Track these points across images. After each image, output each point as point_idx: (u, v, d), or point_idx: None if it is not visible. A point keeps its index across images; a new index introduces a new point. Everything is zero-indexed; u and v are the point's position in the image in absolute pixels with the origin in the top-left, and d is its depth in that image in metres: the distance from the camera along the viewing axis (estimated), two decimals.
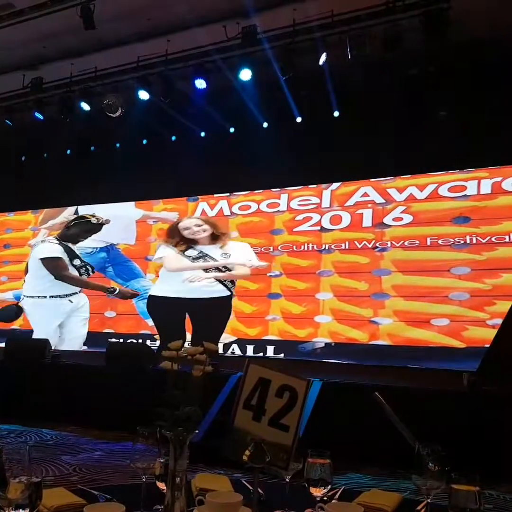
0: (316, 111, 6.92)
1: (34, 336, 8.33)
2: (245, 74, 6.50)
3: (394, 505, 2.15)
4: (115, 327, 8.16)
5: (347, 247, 6.98)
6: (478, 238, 6.31)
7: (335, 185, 7.29)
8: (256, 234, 7.58)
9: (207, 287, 7.57)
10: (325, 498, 1.98)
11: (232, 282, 7.51)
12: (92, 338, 8.19)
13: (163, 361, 1.75)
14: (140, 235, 8.43)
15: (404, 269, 6.60)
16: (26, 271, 9.02)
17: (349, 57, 5.91)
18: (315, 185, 7.42)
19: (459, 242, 6.37)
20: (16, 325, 8.80)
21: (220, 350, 7.12)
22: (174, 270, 7.84)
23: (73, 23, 6.09)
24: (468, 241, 6.34)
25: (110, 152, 8.32)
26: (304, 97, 6.80)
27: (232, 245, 7.69)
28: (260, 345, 7.13)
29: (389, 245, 6.74)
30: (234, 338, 7.29)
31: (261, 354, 7.05)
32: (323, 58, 6.17)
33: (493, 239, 6.24)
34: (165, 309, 7.81)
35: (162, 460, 1.92)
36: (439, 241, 6.47)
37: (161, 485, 1.91)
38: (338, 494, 2.28)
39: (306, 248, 7.21)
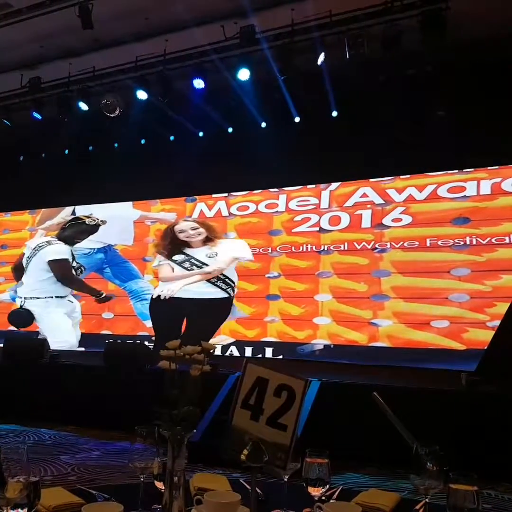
0: (314, 111, 6.91)
1: (51, 338, 7.70)
2: (243, 74, 6.49)
3: (392, 505, 2.15)
4: (113, 328, 8.15)
5: (346, 248, 6.96)
6: (478, 239, 6.28)
7: (334, 185, 7.28)
8: (254, 235, 7.56)
9: (202, 289, 7.57)
10: (323, 498, 1.99)
11: (226, 282, 7.48)
12: (89, 339, 8.16)
13: (161, 361, 1.75)
14: (138, 236, 8.40)
15: (403, 270, 6.59)
16: (17, 271, 8.99)
17: (348, 57, 5.90)
18: (313, 186, 7.41)
19: (459, 243, 6.35)
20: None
21: (217, 352, 7.11)
22: (165, 280, 7.87)
23: (71, 23, 6.08)
24: (468, 242, 6.32)
25: (108, 152, 8.30)
26: (303, 97, 6.80)
27: (222, 244, 7.69)
28: (259, 347, 7.11)
29: (388, 246, 6.73)
30: (233, 340, 7.27)
31: (260, 356, 7.04)
32: (321, 58, 6.16)
33: (493, 240, 6.22)
34: (165, 310, 7.79)
35: (160, 460, 1.92)
36: (439, 242, 6.46)
37: (159, 485, 1.91)
38: (336, 493, 2.28)
39: (304, 249, 7.19)
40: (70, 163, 8.50)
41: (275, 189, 7.62)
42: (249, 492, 1.78)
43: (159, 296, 7.79)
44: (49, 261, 8.64)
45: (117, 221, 8.58)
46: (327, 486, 1.95)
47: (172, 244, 7.93)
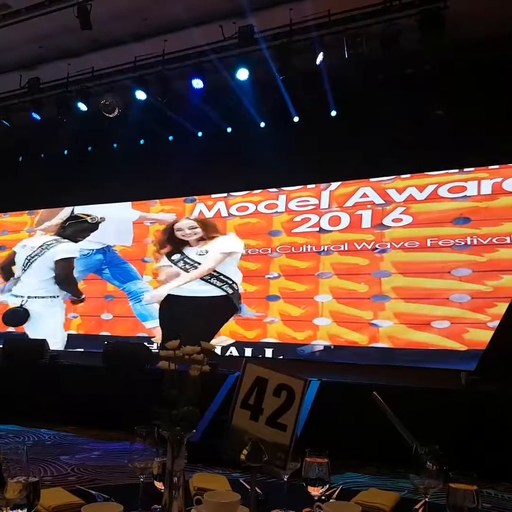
0: (313, 111, 6.91)
1: (51, 338, 7.56)
2: (242, 74, 6.49)
3: (392, 504, 2.15)
4: (112, 329, 8.13)
5: (346, 248, 6.94)
6: (479, 239, 6.26)
7: (333, 185, 7.26)
8: (254, 235, 7.54)
9: (195, 287, 7.59)
10: (323, 497, 1.99)
11: (220, 280, 7.46)
12: (88, 340, 8.15)
13: (160, 361, 1.75)
14: (137, 236, 8.39)
15: (404, 270, 6.57)
16: (5, 271, 8.97)
17: (346, 56, 5.90)
18: (313, 186, 7.39)
19: (460, 243, 6.33)
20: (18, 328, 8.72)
21: (217, 352, 7.10)
22: (161, 283, 7.91)
23: (70, 24, 6.07)
24: (468, 242, 6.30)
25: (107, 153, 8.30)
26: (301, 97, 6.79)
27: (214, 241, 7.70)
28: (259, 347, 7.10)
29: (388, 246, 6.71)
30: (232, 341, 7.26)
31: (260, 356, 7.03)
32: (320, 57, 6.16)
33: (494, 240, 6.20)
34: (166, 311, 7.80)
35: (159, 460, 1.92)
36: (440, 242, 6.44)
37: (159, 485, 1.91)
38: (336, 493, 2.28)
39: (304, 250, 7.17)
40: (69, 164, 8.49)
41: (275, 189, 7.60)
42: (249, 492, 1.78)
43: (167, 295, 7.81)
44: (58, 259, 8.63)
45: (116, 222, 8.57)
46: (327, 486, 1.95)
47: (171, 242, 7.95)
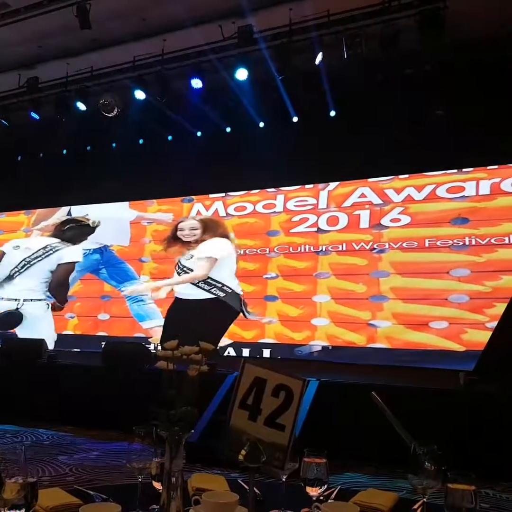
0: (312, 111, 6.92)
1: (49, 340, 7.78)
2: (241, 74, 6.50)
3: (390, 505, 2.15)
4: (109, 330, 8.12)
5: (344, 248, 6.94)
6: (477, 239, 6.26)
7: (332, 185, 7.26)
8: (252, 235, 7.54)
9: (188, 290, 7.59)
10: (322, 498, 1.99)
11: (208, 283, 7.42)
12: (85, 341, 8.13)
13: (159, 361, 1.75)
14: (134, 236, 8.37)
15: (402, 271, 6.57)
16: None
17: (345, 56, 5.91)
18: (311, 186, 7.39)
19: (458, 243, 6.34)
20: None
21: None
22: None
23: (69, 23, 6.08)
24: (467, 243, 6.30)
25: (106, 152, 8.30)
26: (301, 97, 6.80)
27: (200, 245, 7.68)
28: (256, 348, 7.09)
29: (387, 246, 6.71)
30: (230, 342, 7.25)
31: (258, 356, 7.03)
32: (319, 57, 6.17)
33: (492, 240, 6.20)
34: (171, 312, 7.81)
35: (158, 460, 1.92)
36: (438, 243, 6.44)
37: (157, 485, 1.91)
38: (334, 493, 2.28)
39: (302, 250, 7.17)
40: (68, 163, 8.49)
41: (273, 189, 7.60)
42: (247, 492, 1.78)
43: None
44: (63, 263, 8.52)
45: (114, 222, 8.55)
46: (325, 486, 1.95)
47: (173, 240, 7.92)
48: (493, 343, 5.60)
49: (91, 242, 8.54)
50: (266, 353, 7.02)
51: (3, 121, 7.86)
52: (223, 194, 7.91)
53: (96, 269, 8.45)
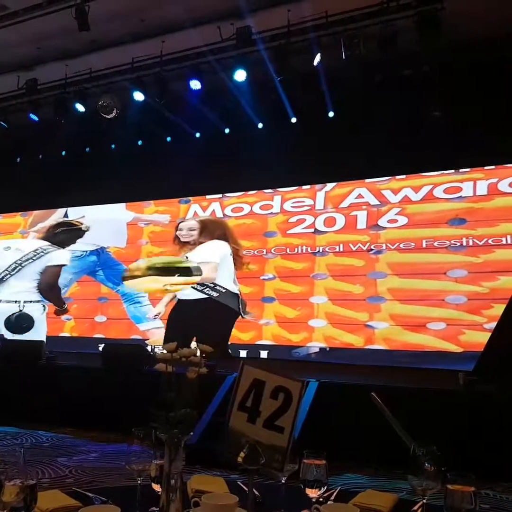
0: (311, 112, 6.92)
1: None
2: (240, 75, 6.50)
3: (390, 506, 2.15)
4: (106, 332, 8.11)
5: (341, 249, 6.94)
6: (475, 240, 6.27)
7: (329, 186, 7.26)
8: (249, 236, 7.53)
9: (185, 290, 7.56)
10: (321, 499, 1.98)
11: (200, 284, 7.38)
12: (82, 343, 8.11)
13: (158, 363, 1.75)
14: (131, 238, 8.36)
15: (399, 272, 6.57)
16: None
17: (344, 57, 5.91)
18: (308, 187, 7.39)
19: (455, 244, 6.34)
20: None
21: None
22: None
23: (68, 25, 6.07)
24: (464, 243, 6.30)
25: (105, 154, 8.30)
26: (299, 98, 6.81)
27: (196, 250, 7.65)
28: (254, 349, 7.08)
29: (384, 247, 6.71)
30: (228, 343, 7.24)
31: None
32: (317, 58, 6.17)
33: (489, 241, 6.20)
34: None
35: (157, 462, 1.92)
36: (435, 243, 6.44)
37: (157, 487, 1.90)
38: (334, 495, 2.28)
39: (300, 251, 7.17)
40: (67, 165, 8.49)
41: (270, 190, 7.60)
42: (247, 494, 1.78)
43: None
44: (51, 265, 8.43)
45: (110, 223, 8.53)
46: (325, 488, 1.94)
47: (176, 241, 7.91)
48: (492, 343, 5.60)
49: (87, 244, 8.52)
50: (264, 354, 7.01)
51: (2, 123, 7.86)
52: (220, 195, 7.91)
53: (93, 271, 8.43)
